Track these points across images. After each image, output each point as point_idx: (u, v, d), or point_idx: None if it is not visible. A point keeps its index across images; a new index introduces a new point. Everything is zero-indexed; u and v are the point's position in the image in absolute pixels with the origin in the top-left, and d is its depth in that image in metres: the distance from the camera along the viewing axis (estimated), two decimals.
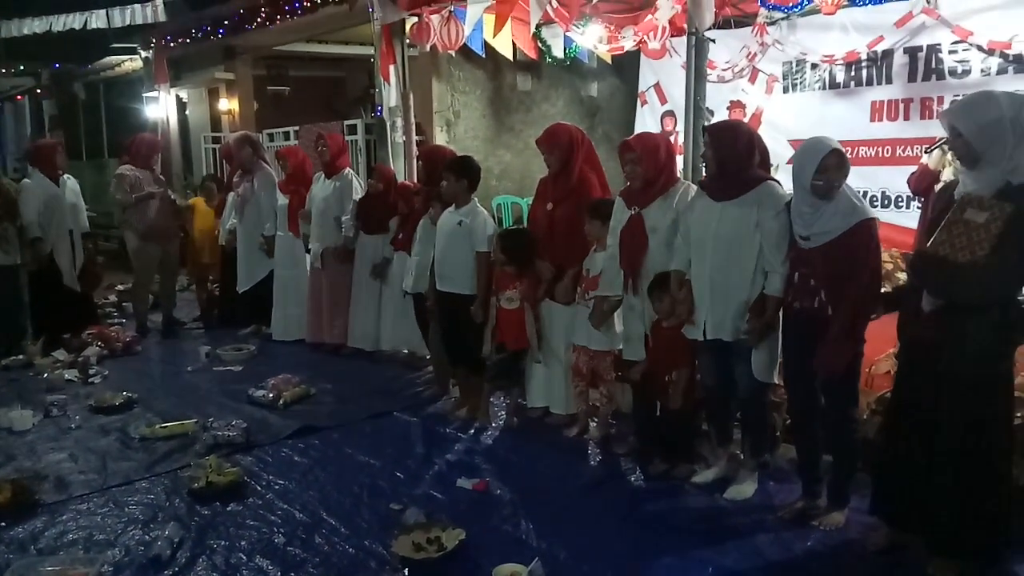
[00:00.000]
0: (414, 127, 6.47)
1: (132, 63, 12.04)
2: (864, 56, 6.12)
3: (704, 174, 4.12)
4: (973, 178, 2.57)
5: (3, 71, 16.15)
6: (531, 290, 4.20)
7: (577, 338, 4.10)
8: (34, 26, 9.58)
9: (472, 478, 3.65)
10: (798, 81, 6.66)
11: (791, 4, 5.74)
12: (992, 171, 2.51)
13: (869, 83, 6.21)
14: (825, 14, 5.35)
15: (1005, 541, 2.70)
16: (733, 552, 2.97)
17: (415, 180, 5.99)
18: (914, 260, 2.70)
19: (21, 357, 5.76)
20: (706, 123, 4.69)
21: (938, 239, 2.54)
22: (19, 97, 17.02)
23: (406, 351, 5.64)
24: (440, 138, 8.08)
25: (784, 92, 6.76)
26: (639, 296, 3.67)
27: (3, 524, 3.26)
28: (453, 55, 7.44)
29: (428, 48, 6.61)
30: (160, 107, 11.00)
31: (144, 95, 11.55)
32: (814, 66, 6.48)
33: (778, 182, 3.31)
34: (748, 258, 3.21)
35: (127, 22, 9.17)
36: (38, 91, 15.73)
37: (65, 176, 6.26)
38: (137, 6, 9.07)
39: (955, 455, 2.61)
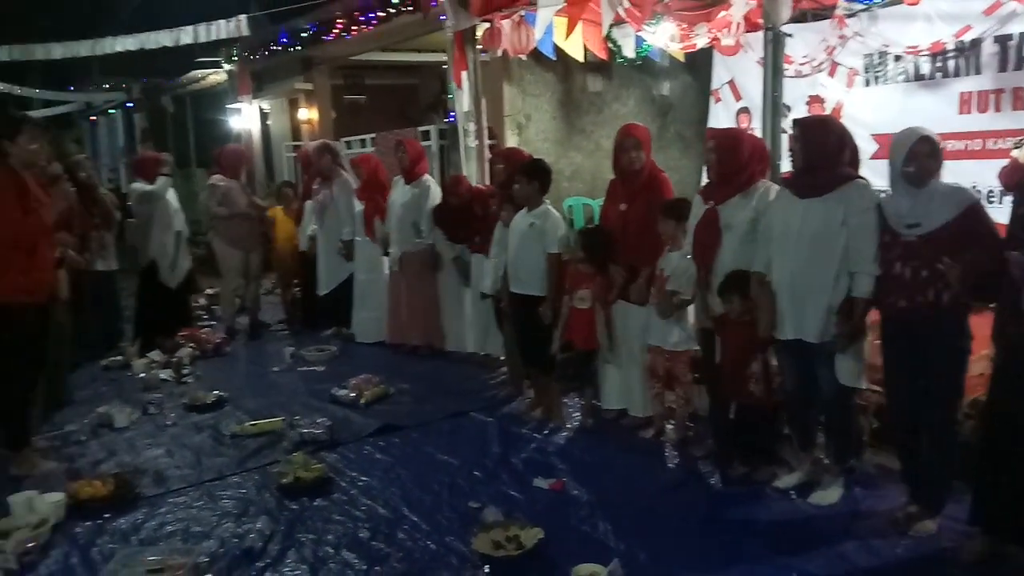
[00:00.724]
0: (486, 131, 6.55)
1: (217, 76, 12.55)
2: (951, 46, 5.87)
3: (783, 171, 4.08)
4: None
5: (97, 86, 17.05)
6: (603, 291, 4.21)
7: (652, 339, 4.08)
8: (127, 43, 10.07)
9: (548, 478, 3.68)
10: (880, 74, 6.45)
11: None
12: None
13: (956, 74, 5.96)
14: (908, 4, 5.17)
15: None
16: (818, 558, 2.91)
17: (488, 183, 6.07)
18: (1016, 257, 2.57)
19: (120, 358, 6.08)
20: (784, 119, 4.61)
21: None
22: (112, 111, 17.94)
23: (482, 352, 5.72)
24: (511, 141, 8.14)
25: (865, 85, 6.56)
26: (713, 294, 3.62)
27: (107, 515, 3.45)
28: (523, 59, 7.49)
29: (499, 53, 6.68)
30: (243, 118, 11.42)
31: (228, 106, 12.02)
32: (897, 58, 6.26)
33: (866, 180, 3.21)
34: (832, 257, 3.13)
35: (213, 37, 9.55)
36: (129, 105, 16.54)
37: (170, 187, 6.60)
38: (222, 21, 9.44)
39: None
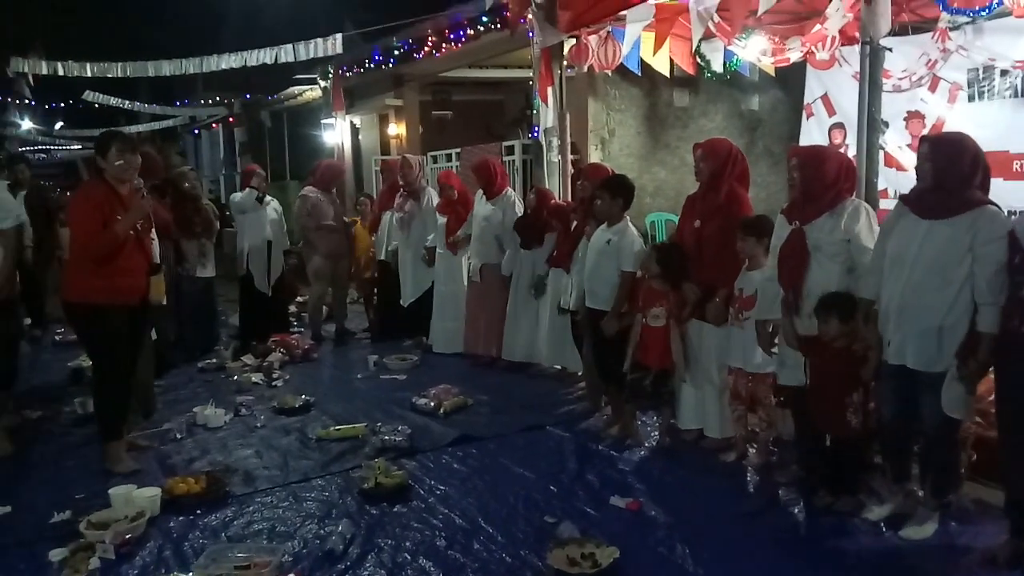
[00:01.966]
0: (569, 146, 6.57)
1: (312, 92, 13.04)
2: None
3: (879, 188, 3.93)
4: None
5: (201, 101, 17.97)
6: (678, 308, 4.14)
7: (733, 360, 3.98)
8: (231, 61, 10.59)
9: (625, 497, 3.64)
10: (985, 89, 6.15)
11: (978, 7, 5.32)
12: None
13: None
14: (1017, 16, 4.90)
15: None
16: None
17: (570, 198, 6.09)
18: None
19: (215, 361, 6.36)
20: (881, 135, 4.44)
21: None
22: (214, 125, 18.86)
23: (559, 366, 5.71)
24: (594, 156, 8.14)
25: (969, 101, 6.26)
26: (800, 316, 3.50)
27: (199, 511, 3.60)
28: (609, 74, 7.49)
29: (585, 68, 6.71)
30: (336, 132, 11.81)
31: (322, 121, 12.47)
32: (1004, 72, 5.96)
33: (997, 206, 3.02)
34: (950, 283, 2.96)
35: (311, 55, 9.94)
36: (230, 119, 17.35)
37: (268, 197, 6.90)
38: (319, 40, 9.81)
39: None
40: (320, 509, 3.64)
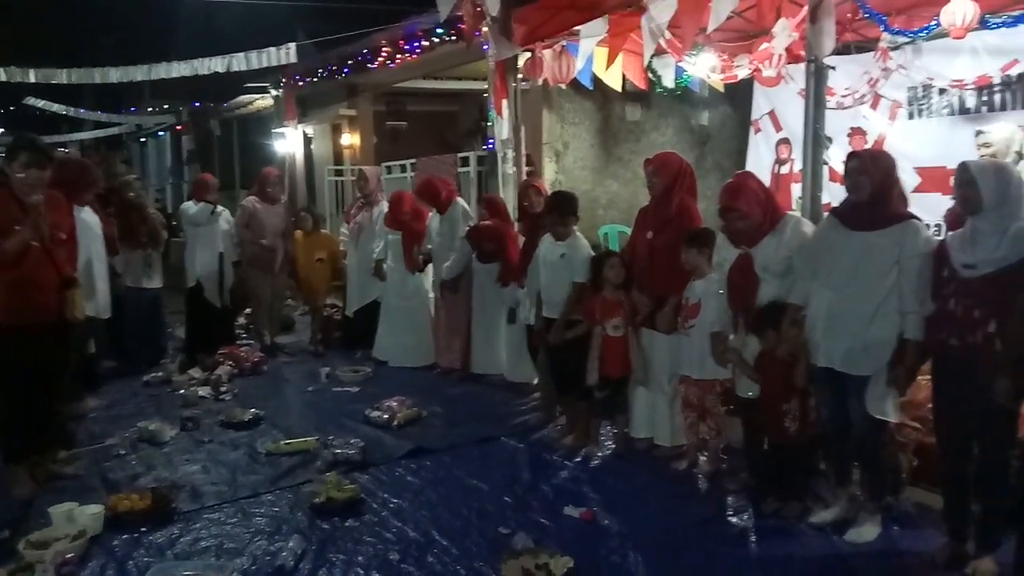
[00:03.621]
0: (524, 159, 6.61)
1: (263, 101, 12.89)
2: (997, 80, 5.82)
3: (824, 202, 4.05)
4: None
5: (149, 109, 17.62)
6: (631, 316, 4.22)
7: (683, 368, 4.05)
8: (181, 69, 10.42)
9: (579, 507, 3.66)
10: (924, 107, 6.40)
11: (916, 28, 5.53)
12: None
13: (1003, 108, 5.90)
14: (954, 38, 5.11)
15: None
16: None
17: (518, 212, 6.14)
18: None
19: (160, 374, 6.20)
20: (825, 151, 4.58)
21: None
22: (161, 132, 18.50)
23: (516, 378, 5.72)
24: (549, 169, 8.20)
25: (909, 118, 6.51)
26: (752, 335, 3.60)
27: (144, 529, 3.49)
28: (563, 87, 7.57)
29: (540, 82, 6.76)
30: (288, 142, 11.69)
31: (273, 131, 12.32)
32: (942, 91, 6.21)
33: (921, 220, 3.16)
34: (877, 292, 3.09)
35: (263, 64, 9.84)
36: (178, 127, 17.03)
37: (220, 208, 6.74)
38: (272, 49, 9.72)
39: None
40: (270, 525, 3.57)
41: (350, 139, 11.62)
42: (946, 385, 3.01)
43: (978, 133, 4.77)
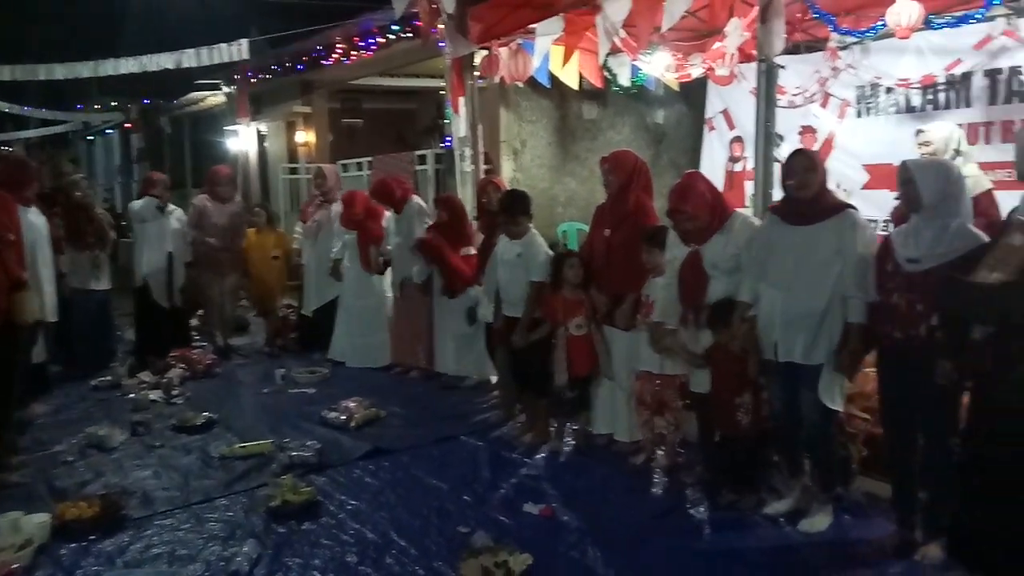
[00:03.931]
0: (482, 157, 6.60)
1: (215, 98, 12.65)
2: (941, 79, 5.98)
3: (775, 199, 4.11)
4: None
5: (96, 107, 17.15)
6: (592, 313, 4.25)
7: (643, 364, 4.08)
8: (130, 65, 10.16)
9: (538, 504, 3.67)
10: (872, 105, 6.54)
11: (864, 28, 5.66)
12: None
13: (947, 106, 6.05)
14: (900, 38, 5.24)
15: None
16: None
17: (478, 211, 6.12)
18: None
19: (109, 378, 6.04)
20: (777, 148, 4.67)
21: (987, 262, 2.55)
22: (109, 130, 18.03)
23: (474, 376, 5.71)
24: (507, 167, 8.20)
25: (857, 116, 6.65)
26: (703, 331, 3.65)
27: (92, 537, 3.40)
28: (520, 86, 7.58)
29: (496, 80, 6.76)
30: (241, 140, 11.48)
31: (226, 128, 12.10)
32: (889, 90, 6.36)
33: (856, 209, 3.27)
34: (824, 283, 3.17)
35: (215, 60, 9.63)
36: (127, 125, 16.62)
37: (172, 206, 6.59)
38: (224, 45, 9.52)
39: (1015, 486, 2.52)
40: (224, 530, 3.51)
41: (305, 137, 11.47)
42: (891, 376, 3.09)
43: (918, 132, 4.89)
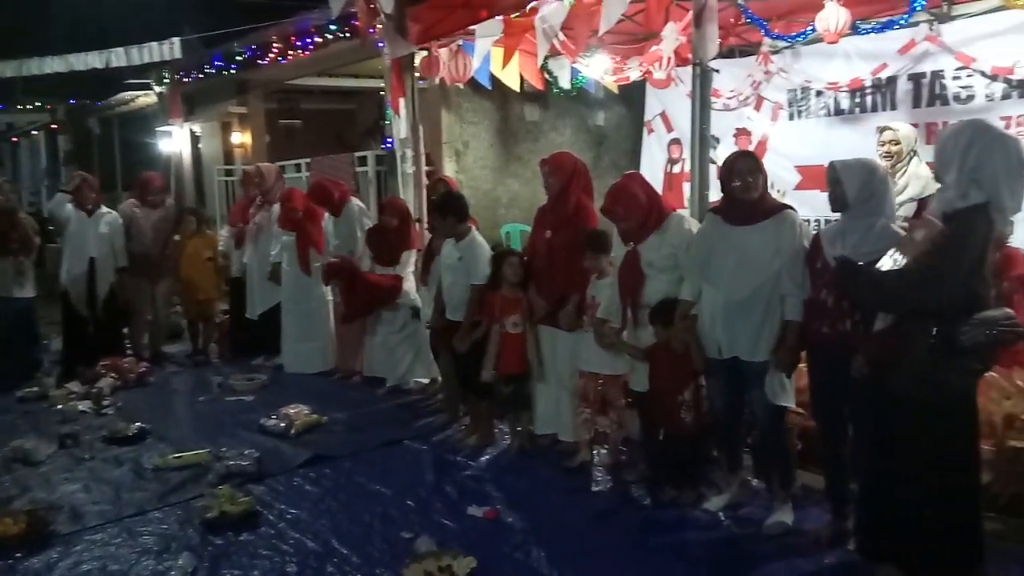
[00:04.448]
0: (424, 158, 6.56)
1: (147, 98, 12.27)
2: (868, 83, 6.20)
3: (711, 200, 4.20)
4: (938, 199, 2.67)
5: (20, 107, 16.46)
6: (529, 313, 4.26)
7: (585, 364, 4.11)
8: (55, 65, 9.79)
9: (483, 506, 3.66)
10: (803, 108, 6.74)
11: (794, 33, 5.84)
12: (948, 194, 2.58)
13: (874, 109, 6.27)
14: (828, 43, 5.42)
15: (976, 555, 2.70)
16: None
17: (426, 211, 6.09)
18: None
19: (36, 389, 5.80)
20: (713, 151, 4.76)
21: (888, 255, 2.66)
22: (35, 132, 17.33)
23: (417, 380, 5.67)
24: (449, 168, 8.17)
25: (790, 119, 6.84)
26: (641, 328, 3.71)
27: (18, 555, 3.28)
28: (461, 87, 7.56)
29: (437, 81, 6.73)
30: (174, 141, 11.17)
31: (158, 129, 11.75)
32: (819, 93, 6.56)
33: (795, 209, 3.36)
34: (765, 281, 3.24)
35: (145, 60, 9.35)
36: (53, 126, 16.01)
37: (104, 209, 6.37)
38: (154, 44, 9.26)
39: (913, 477, 2.63)
40: (158, 543, 3.41)
41: (241, 138, 11.22)
42: (820, 370, 3.18)
43: (882, 130, 4.97)
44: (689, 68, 4.50)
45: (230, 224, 6.91)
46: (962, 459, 2.65)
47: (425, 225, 5.99)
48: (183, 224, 6.85)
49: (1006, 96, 5.53)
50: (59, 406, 5.44)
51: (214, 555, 3.27)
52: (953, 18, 5.77)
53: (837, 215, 3.10)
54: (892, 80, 6.09)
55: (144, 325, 6.79)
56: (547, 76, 7.05)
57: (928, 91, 5.94)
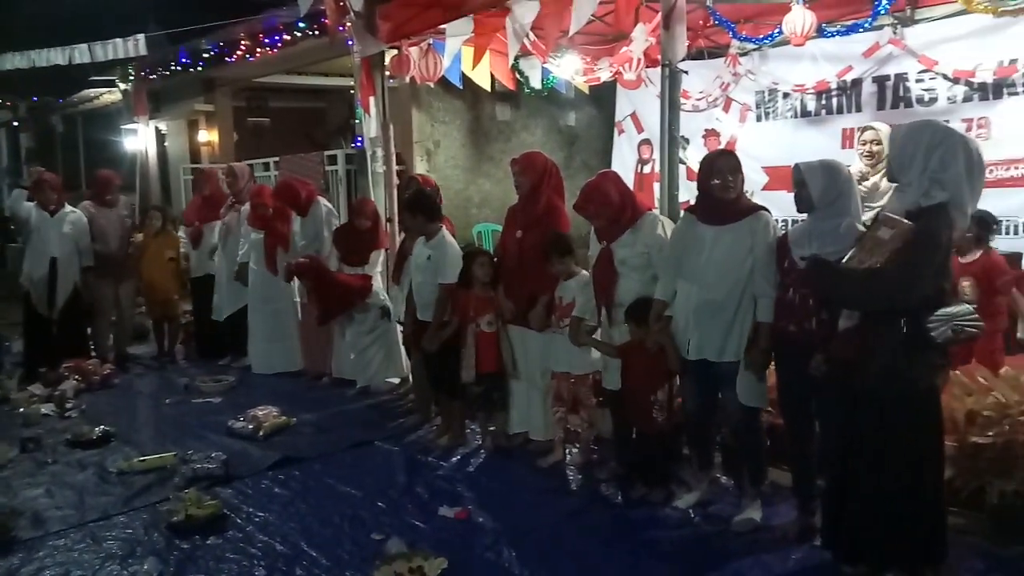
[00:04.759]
0: (394, 157, 6.52)
1: (111, 95, 12.06)
2: (834, 85, 6.29)
3: (681, 200, 4.23)
4: (896, 198, 2.71)
5: None
6: (504, 312, 4.27)
7: (556, 364, 4.12)
8: (17, 61, 9.57)
9: (454, 506, 3.65)
10: (771, 110, 6.82)
11: (762, 35, 5.90)
12: (909, 193, 2.62)
13: (840, 111, 6.37)
14: (795, 45, 5.49)
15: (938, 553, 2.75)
16: None
17: (396, 210, 6.06)
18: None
19: None
20: (683, 151, 4.79)
21: (855, 254, 2.65)
22: None
23: (388, 380, 5.63)
24: (420, 167, 8.14)
25: (757, 121, 6.91)
26: (615, 326, 3.72)
27: None
28: (432, 86, 7.53)
29: (407, 80, 6.69)
30: (139, 139, 10.99)
31: (123, 127, 11.55)
32: (786, 95, 6.64)
33: (769, 211, 3.38)
34: (738, 281, 3.26)
35: (110, 56, 9.18)
36: (15, 124, 15.67)
37: (69, 208, 6.23)
38: (119, 40, 9.08)
39: (880, 473, 2.66)
40: (123, 548, 3.35)
41: (208, 136, 11.06)
42: (787, 368, 3.22)
43: (864, 129, 5.03)
44: (659, 69, 4.52)
45: (185, 224, 6.80)
46: (929, 454, 2.70)
47: (396, 225, 5.96)
48: (148, 222, 6.73)
49: (967, 99, 5.65)
50: (21, 409, 5.32)
51: (180, 559, 3.23)
52: (916, 22, 5.88)
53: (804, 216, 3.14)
54: (857, 82, 6.19)
55: (108, 326, 6.66)
56: (518, 76, 7.05)
57: (892, 93, 6.04)
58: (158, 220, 6.75)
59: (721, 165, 3.34)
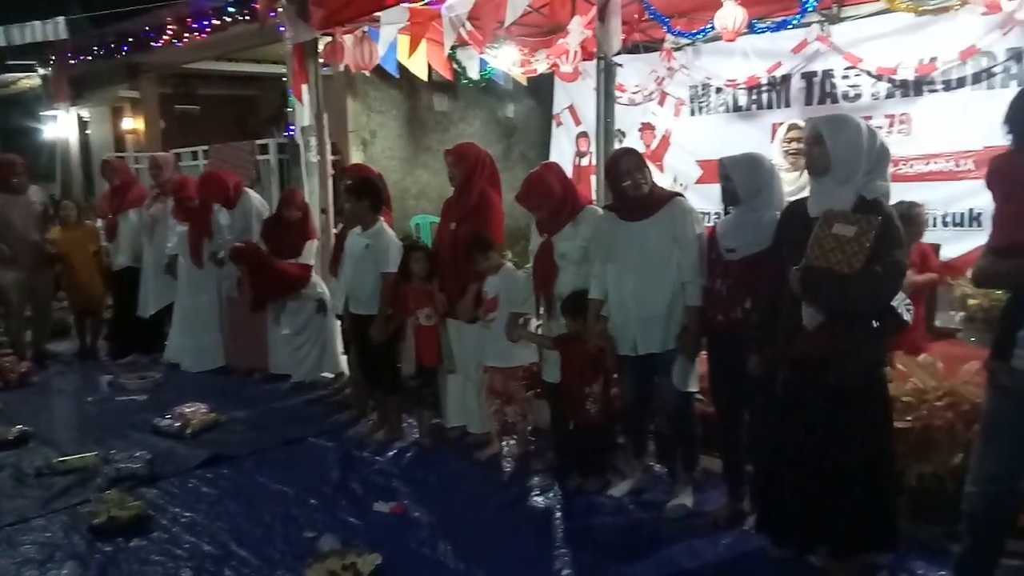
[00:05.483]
0: (329, 147, 6.39)
1: (29, 81, 11.51)
2: (764, 81, 6.42)
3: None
4: (826, 194, 2.67)
5: None
6: (438, 305, 4.24)
7: (488, 359, 4.10)
8: None
9: (389, 501, 3.61)
10: (704, 104, 6.93)
11: (695, 31, 5.98)
12: (847, 187, 2.63)
13: (770, 106, 6.51)
14: (726, 40, 5.58)
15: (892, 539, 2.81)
16: (646, 563, 3.03)
17: (334, 200, 5.94)
18: (801, 274, 2.69)
19: None
20: (620, 144, 4.82)
21: (812, 254, 2.59)
22: None
23: (323, 375, 5.53)
24: (356, 157, 8.00)
25: (691, 115, 7.02)
26: (555, 319, 3.73)
27: None
28: (368, 75, 7.41)
29: (342, 68, 6.56)
30: (60, 126, 10.53)
31: (43, 114, 11.05)
32: (718, 90, 6.76)
33: (684, 196, 3.44)
34: (669, 272, 3.30)
35: (27, 39, 8.72)
36: None
37: None
38: (37, 23, 8.64)
39: (848, 464, 2.69)
40: (41, 552, 3.22)
41: (133, 123, 10.67)
42: (716, 357, 3.28)
43: (789, 127, 5.12)
44: (595, 62, 4.54)
45: (99, 216, 6.52)
46: (888, 443, 2.76)
47: (331, 216, 5.84)
48: (63, 213, 6.44)
49: (890, 95, 5.84)
50: None
51: (102, 563, 3.11)
52: (842, 19, 6.06)
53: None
54: (786, 78, 6.33)
55: (23, 322, 6.35)
56: (455, 66, 6.99)
57: (819, 89, 6.20)
58: (72, 211, 6.46)
59: (626, 165, 3.38)
